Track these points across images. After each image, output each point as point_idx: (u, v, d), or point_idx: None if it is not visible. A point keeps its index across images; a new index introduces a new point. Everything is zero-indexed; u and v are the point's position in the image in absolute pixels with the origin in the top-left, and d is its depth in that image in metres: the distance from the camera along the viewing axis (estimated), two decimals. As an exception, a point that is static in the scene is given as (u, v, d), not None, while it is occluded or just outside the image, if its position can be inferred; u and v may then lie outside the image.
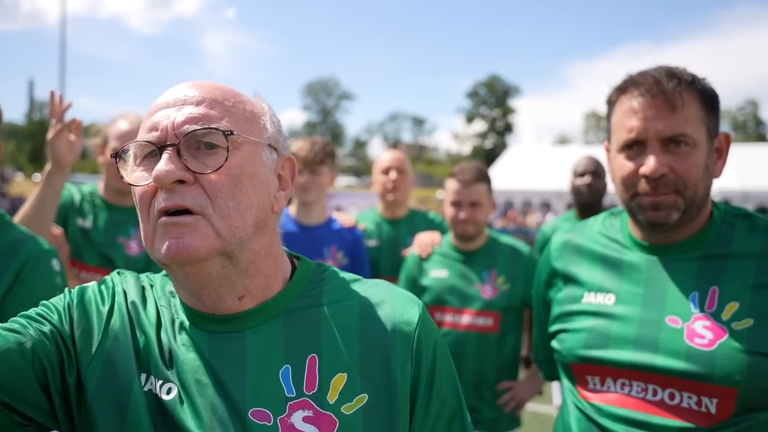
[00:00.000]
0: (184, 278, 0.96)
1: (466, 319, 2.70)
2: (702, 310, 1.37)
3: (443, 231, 3.22)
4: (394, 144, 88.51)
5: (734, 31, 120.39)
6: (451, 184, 2.76)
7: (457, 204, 2.73)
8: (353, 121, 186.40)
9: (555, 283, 1.67)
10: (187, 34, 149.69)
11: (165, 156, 0.91)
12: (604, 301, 1.50)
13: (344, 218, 3.21)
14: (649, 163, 1.40)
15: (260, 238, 0.99)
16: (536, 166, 33.66)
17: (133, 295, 1.06)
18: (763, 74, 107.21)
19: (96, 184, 2.76)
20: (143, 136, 0.96)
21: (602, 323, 1.47)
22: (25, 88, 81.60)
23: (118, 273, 1.11)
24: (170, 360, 0.98)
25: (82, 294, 1.06)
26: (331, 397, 0.95)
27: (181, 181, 0.91)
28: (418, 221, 3.44)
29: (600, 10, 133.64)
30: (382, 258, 3.35)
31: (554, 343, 1.60)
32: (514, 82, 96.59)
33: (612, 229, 1.60)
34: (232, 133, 0.94)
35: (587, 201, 3.61)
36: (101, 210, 2.66)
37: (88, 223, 2.61)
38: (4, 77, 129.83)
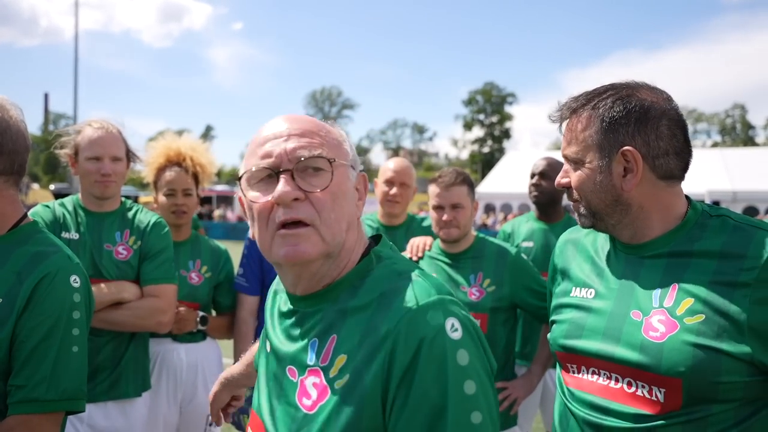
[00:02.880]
0: (289, 273, 1.18)
1: None
2: (660, 305, 1.42)
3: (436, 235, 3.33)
4: (396, 151, 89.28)
5: (723, 38, 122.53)
6: (432, 189, 2.77)
7: (439, 207, 2.74)
8: (355, 129, 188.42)
9: (556, 279, 1.76)
10: (197, 46, 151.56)
11: (283, 179, 1.11)
12: (586, 295, 1.58)
13: None
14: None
15: (350, 237, 1.20)
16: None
17: (273, 287, 1.40)
18: (751, 79, 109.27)
19: (77, 195, 2.73)
20: (259, 163, 1.15)
21: (581, 315, 1.55)
22: (42, 100, 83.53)
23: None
24: (271, 328, 1.29)
25: None
26: (332, 373, 1.09)
27: (296, 199, 1.11)
28: (415, 227, 3.47)
29: (592, 20, 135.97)
30: None
31: (548, 334, 1.70)
32: (510, 89, 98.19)
33: None
34: (334, 160, 1.15)
35: (537, 201, 3.66)
36: (84, 219, 2.63)
37: (74, 235, 2.58)
38: (24, 91, 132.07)
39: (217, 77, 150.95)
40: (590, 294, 1.58)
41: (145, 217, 2.75)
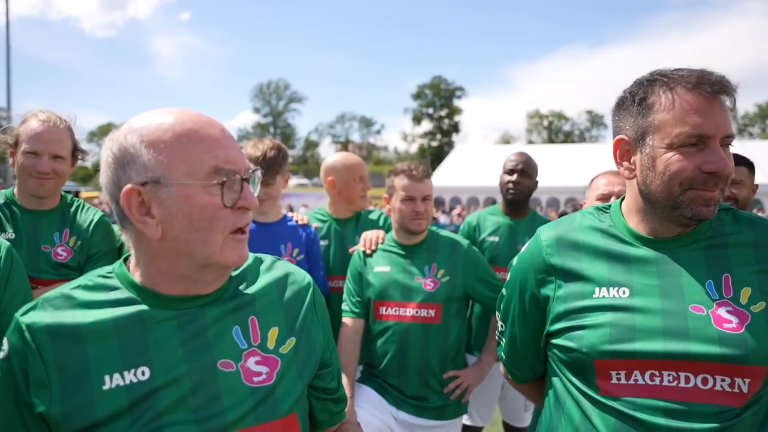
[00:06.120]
0: (212, 273, 1.19)
1: (409, 311, 2.75)
2: (721, 297, 1.42)
3: (387, 228, 3.30)
4: (345, 145, 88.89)
5: (663, 36, 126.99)
6: (403, 181, 2.81)
7: (411, 199, 2.77)
8: (304, 123, 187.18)
9: (552, 281, 1.61)
10: (142, 37, 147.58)
11: (251, 185, 1.16)
12: (618, 294, 1.49)
13: (299, 217, 3.25)
14: (720, 161, 1.40)
15: None
16: (481, 164, 34.81)
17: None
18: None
19: (12, 189, 2.56)
20: (228, 166, 1.12)
21: (623, 317, 1.46)
22: (-32, 91, 79.55)
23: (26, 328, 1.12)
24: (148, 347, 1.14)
25: None
26: (270, 344, 1.24)
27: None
28: (364, 220, 3.47)
29: (539, 14, 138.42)
30: (332, 256, 3.36)
31: (562, 341, 1.55)
32: (458, 83, 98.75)
33: (605, 225, 1.60)
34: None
35: (514, 198, 3.58)
36: (20, 217, 2.47)
37: (10, 233, 2.43)
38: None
39: (162, 69, 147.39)
40: (624, 293, 1.49)
41: (87, 215, 2.59)
